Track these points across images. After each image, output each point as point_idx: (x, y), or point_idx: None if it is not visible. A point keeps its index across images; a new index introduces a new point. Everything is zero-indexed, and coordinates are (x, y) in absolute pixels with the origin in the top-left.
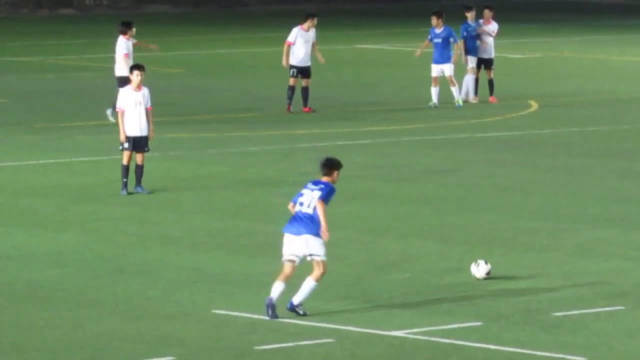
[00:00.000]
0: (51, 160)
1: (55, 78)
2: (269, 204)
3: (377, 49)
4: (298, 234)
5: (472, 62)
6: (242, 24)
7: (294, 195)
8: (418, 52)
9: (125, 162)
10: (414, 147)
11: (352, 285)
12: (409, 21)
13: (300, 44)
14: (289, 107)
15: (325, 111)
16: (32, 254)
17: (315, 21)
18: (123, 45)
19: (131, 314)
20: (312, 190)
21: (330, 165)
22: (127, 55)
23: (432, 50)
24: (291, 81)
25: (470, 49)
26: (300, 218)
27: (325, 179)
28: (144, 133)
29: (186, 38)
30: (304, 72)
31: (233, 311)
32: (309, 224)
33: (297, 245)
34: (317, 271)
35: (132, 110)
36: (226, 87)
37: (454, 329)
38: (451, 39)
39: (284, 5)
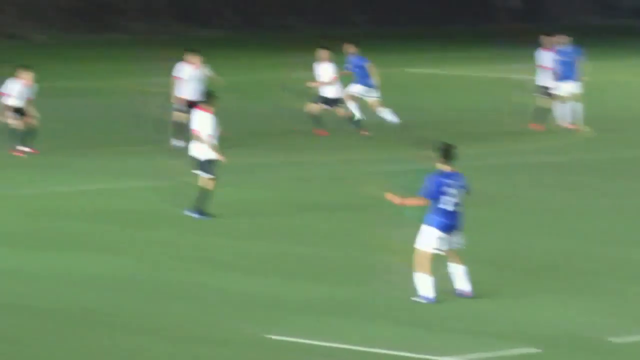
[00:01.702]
0: (107, 185)
1: (110, 103)
2: (319, 229)
3: (426, 73)
4: (451, 230)
5: (565, 88)
6: (289, 47)
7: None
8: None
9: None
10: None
11: (405, 310)
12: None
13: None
14: (320, 132)
15: (381, 135)
16: (88, 279)
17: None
18: (184, 69)
19: (187, 340)
20: (455, 186)
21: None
22: (181, 79)
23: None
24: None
25: (564, 75)
26: (452, 214)
27: (447, 167)
28: (208, 156)
29: (234, 61)
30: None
31: (288, 336)
32: (459, 219)
33: (446, 240)
34: (458, 256)
35: (194, 133)
36: (278, 111)
37: (511, 356)
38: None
39: (331, 28)
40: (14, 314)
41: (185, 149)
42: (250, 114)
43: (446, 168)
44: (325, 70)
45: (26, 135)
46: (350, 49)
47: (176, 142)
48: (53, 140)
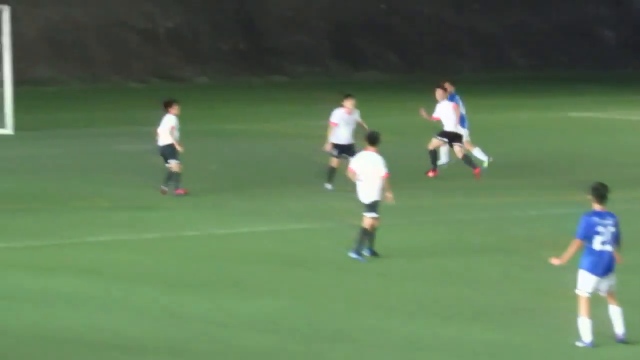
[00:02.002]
0: (264, 227)
1: (268, 145)
2: (480, 271)
3: (589, 116)
4: (606, 272)
5: None
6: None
7: (510, 258)
8: None
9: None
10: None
11: (563, 354)
12: (623, 88)
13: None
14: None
15: (536, 178)
16: (246, 322)
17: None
18: (338, 114)
19: None
20: (608, 226)
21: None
22: (336, 124)
23: None
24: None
25: None
26: (605, 255)
27: (600, 207)
28: (372, 197)
29: (397, 104)
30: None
31: None
32: (612, 260)
33: (601, 282)
34: (615, 298)
35: (364, 177)
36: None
37: None
38: None
39: (496, 72)
40: (171, 357)
41: (340, 192)
42: (411, 155)
43: (599, 208)
44: (443, 109)
45: (172, 176)
46: (449, 89)
47: (329, 186)
48: (210, 182)
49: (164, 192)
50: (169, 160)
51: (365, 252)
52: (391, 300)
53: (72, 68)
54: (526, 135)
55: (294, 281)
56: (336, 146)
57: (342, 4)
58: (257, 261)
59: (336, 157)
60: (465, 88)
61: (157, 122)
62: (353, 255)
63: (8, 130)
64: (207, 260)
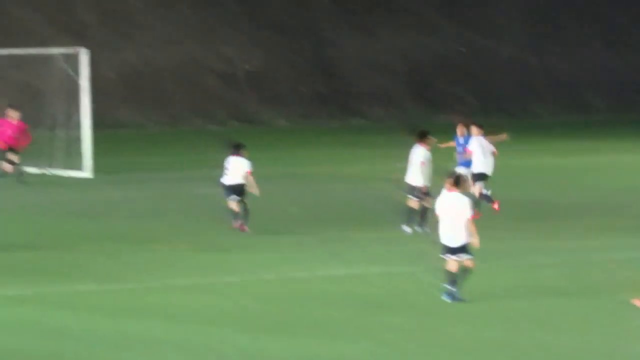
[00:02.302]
0: (344, 270)
1: (347, 187)
2: (561, 315)
3: None
4: None
5: None
6: (533, 134)
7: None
8: None
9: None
10: None
11: None
12: None
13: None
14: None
15: (615, 220)
16: None
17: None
18: (421, 153)
19: None
20: None
21: None
22: (423, 164)
23: None
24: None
25: None
26: None
27: None
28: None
29: None
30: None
31: None
32: None
33: None
34: None
35: (444, 217)
36: (518, 196)
37: None
38: None
39: (575, 115)
40: None
41: (419, 234)
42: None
43: None
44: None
45: (246, 213)
46: (467, 130)
47: (407, 228)
48: (290, 224)
49: (243, 230)
50: (233, 197)
51: (452, 297)
52: (471, 344)
53: (151, 111)
54: (604, 177)
55: (376, 325)
56: (413, 186)
57: (420, 46)
58: (338, 304)
59: (414, 197)
60: (543, 131)
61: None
62: (447, 298)
63: (87, 173)
64: (287, 303)
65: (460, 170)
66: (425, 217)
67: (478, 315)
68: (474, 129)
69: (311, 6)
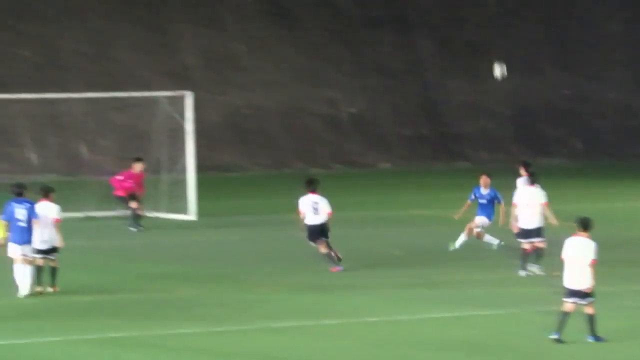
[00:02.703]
0: (447, 314)
1: (451, 231)
2: None
3: None
4: None
5: None
6: (638, 177)
7: None
8: None
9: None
10: None
11: None
12: None
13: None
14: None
15: None
16: None
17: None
18: (540, 194)
19: None
20: None
21: None
22: (547, 204)
23: None
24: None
25: None
26: None
27: None
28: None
29: (580, 191)
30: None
31: None
32: None
33: None
34: None
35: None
36: (620, 240)
37: None
38: None
39: None
40: None
41: (528, 278)
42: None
43: None
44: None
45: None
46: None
47: (522, 272)
48: (395, 267)
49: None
50: (320, 239)
51: (590, 339)
52: None
53: (255, 154)
54: None
55: None
56: (521, 230)
57: (525, 89)
58: (442, 348)
59: (525, 240)
60: None
61: (338, 208)
62: (591, 339)
63: (191, 216)
64: (389, 346)
65: (481, 219)
66: (540, 257)
67: (582, 357)
68: (522, 170)
69: (416, 49)
